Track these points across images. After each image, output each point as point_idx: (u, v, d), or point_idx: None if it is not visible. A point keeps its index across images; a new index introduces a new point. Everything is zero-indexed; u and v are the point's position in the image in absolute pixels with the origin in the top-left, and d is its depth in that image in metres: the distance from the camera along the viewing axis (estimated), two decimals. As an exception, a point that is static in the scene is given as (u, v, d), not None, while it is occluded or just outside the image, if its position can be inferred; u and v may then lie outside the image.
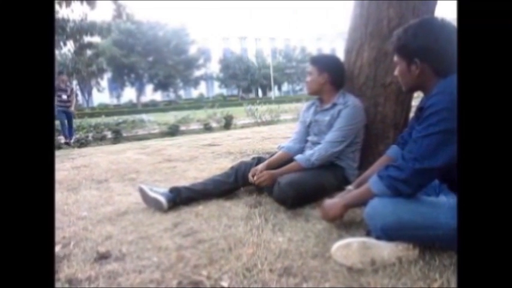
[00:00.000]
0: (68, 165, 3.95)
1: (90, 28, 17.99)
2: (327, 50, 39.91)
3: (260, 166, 2.12)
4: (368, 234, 1.36)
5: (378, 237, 1.27)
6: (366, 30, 2.11)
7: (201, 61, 38.77)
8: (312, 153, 2.02)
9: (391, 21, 2.01)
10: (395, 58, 1.38)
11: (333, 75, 2.08)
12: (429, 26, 1.27)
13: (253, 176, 2.07)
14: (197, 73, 38.98)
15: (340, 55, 2.33)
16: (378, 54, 2.08)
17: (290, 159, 2.12)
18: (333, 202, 1.49)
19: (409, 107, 2.21)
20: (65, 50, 22.06)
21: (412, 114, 1.99)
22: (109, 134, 8.44)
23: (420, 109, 1.34)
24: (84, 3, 13.53)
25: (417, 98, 2.16)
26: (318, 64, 2.10)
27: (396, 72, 1.40)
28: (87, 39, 20.10)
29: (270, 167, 2.12)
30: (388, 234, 1.25)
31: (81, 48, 21.24)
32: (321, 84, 2.09)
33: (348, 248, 1.27)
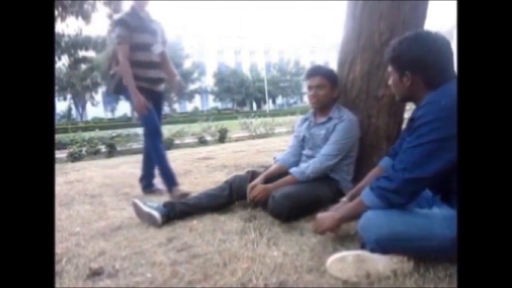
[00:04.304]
0: (61, 179, 3.91)
1: (85, 42, 18.09)
2: (320, 63, 40.38)
3: (257, 181, 2.11)
4: (363, 247, 1.36)
5: (373, 250, 1.27)
6: (358, 44, 2.14)
7: (195, 75, 38.99)
8: (307, 166, 2.02)
9: (383, 34, 2.05)
10: (389, 68, 1.40)
11: (338, 90, 2.11)
12: (423, 40, 1.29)
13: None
14: (192, 87, 39.11)
15: (333, 67, 2.35)
16: (370, 67, 2.11)
17: (285, 173, 2.12)
18: (327, 215, 1.49)
19: (401, 119, 2.24)
20: (60, 64, 22.07)
21: (404, 126, 2.02)
22: (103, 148, 8.38)
23: (411, 120, 1.36)
24: (79, 18, 13.60)
25: (409, 110, 2.18)
26: (332, 77, 2.09)
27: (390, 82, 1.42)
28: (82, 53, 20.16)
29: (266, 180, 2.11)
30: (382, 246, 1.24)
31: (75, 63, 21.31)
32: (331, 99, 2.09)
33: (343, 261, 1.27)
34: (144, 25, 2.59)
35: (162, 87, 2.78)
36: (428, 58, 1.27)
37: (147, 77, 2.61)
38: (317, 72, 2.09)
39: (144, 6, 2.63)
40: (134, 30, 2.51)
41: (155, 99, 2.69)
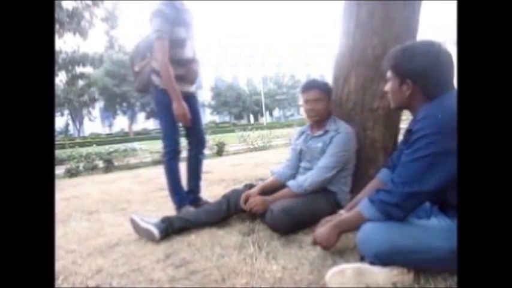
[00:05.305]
0: (57, 196, 3.89)
1: (83, 59, 18.19)
2: (315, 76, 40.91)
3: (252, 191, 2.12)
4: (362, 259, 1.35)
5: (372, 263, 1.27)
6: (352, 58, 2.18)
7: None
8: (305, 179, 2.02)
9: (375, 49, 2.08)
10: (389, 74, 1.39)
11: (331, 101, 2.12)
12: (426, 50, 1.29)
13: (245, 202, 2.07)
14: (189, 101, 39.22)
15: (329, 80, 2.38)
16: (364, 80, 2.14)
17: (282, 185, 2.12)
18: (327, 231, 1.45)
19: (397, 130, 2.25)
20: (57, 80, 22.13)
21: (400, 137, 2.03)
22: (100, 164, 8.35)
23: (409, 131, 1.36)
24: (77, 34, 13.75)
25: (405, 120, 2.20)
26: (328, 91, 2.10)
27: (387, 88, 1.42)
28: (79, 69, 20.26)
29: (262, 192, 2.12)
30: (381, 259, 1.24)
31: (73, 79, 21.37)
32: (328, 112, 2.11)
33: (343, 274, 1.26)
34: (181, 17, 2.29)
35: (194, 87, 2.54)
36: (429, 70, 1.27)
37: (181, 75, 2.35)
38: (314, 85, 2.10)
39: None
40: (173, 23, 2.24)
41: (190, 102, 2.38)
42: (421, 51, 1.30)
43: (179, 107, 2.27)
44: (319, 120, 2.12)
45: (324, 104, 2.08)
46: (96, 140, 24.05)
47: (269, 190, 2.13)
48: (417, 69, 1.29)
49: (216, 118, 45.33)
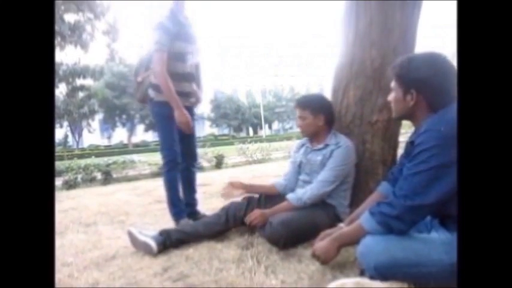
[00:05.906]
0: (55, 208, 3.85)
1: (83, 71, 18.31)
2: (314, 88, 41.12)
3: (239, 182, 2.28)
4: (362, 273, 1.34)
5: (372, 277, 1.25)
6: (351, 70, 2.19)
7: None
8: (304, 192, 2.02)
9: (374, 61, 2.10)
10: (393, 84, 1.39)
11: (327, 116, 2.11)
12: (433, 62, 1.30)
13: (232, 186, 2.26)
14: (188, 113, 39.31)
15: (328, 93, 2.39)
16: (363, 92, 2.15)
17: (279, 197, 2.12)
18: (327, 245, 1.44)
19: (396, 143, 2.25)
20: (57, 92, 22.24)
21: (399, 150, 2.03)
22: (99, 175, 8.33)
23: (411, 143, 1.35)
24: (78, 47, 13.88)
25: (404, 134, 2.21)
26: (311, 107, 2.09)
27: (390, 98, 1.42)
28: (79, 81, 20.39)
29: (253, 190, 2.27)
30: (381, 273, 1.22)
31: (73, 91, 21.49)
32: (318, 127, 2.10)
33: (342, 289, 1.24)
34: (184, 31, 2.34)
35: (193, 101, 2.56)
36: (435, 81, 1.28)
37: (179, 91, 2.34)
38: (297, 103, 2.13)
39: (182, 9, 2.38)
40: (174, 37, 2.28)
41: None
42: (427, 62, 1.31)
43: (181, 115, 2.29)
44: (308, 135, 2.15)
45: (308, 121, 2.08)
46: (95, 151, 24.01)
47: (268, 201, 2.16)
48: (422, 79, 1.29)
49: (215, 130, 45.39)
